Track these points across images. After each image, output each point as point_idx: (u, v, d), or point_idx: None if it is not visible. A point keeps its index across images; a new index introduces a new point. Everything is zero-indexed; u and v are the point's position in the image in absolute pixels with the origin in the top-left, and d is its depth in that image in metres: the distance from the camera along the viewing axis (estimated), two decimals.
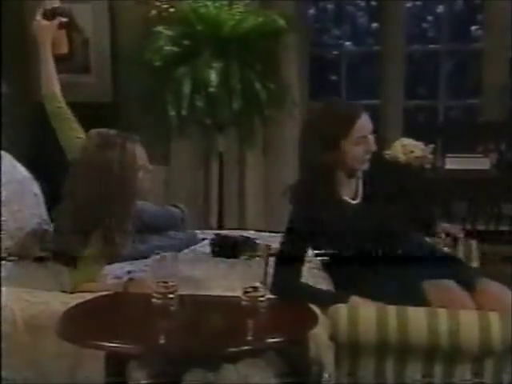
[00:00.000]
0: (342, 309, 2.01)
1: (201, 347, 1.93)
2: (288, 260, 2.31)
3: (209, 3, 4.00)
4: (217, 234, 3.07)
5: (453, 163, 4.08)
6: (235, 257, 2.79)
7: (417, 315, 1.96)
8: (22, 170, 3.11)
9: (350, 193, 2.41)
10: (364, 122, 2.33)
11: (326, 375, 2.12)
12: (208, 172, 4.36)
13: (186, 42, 3.99)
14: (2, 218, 2.67)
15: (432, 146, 4.22)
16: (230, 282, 2.47)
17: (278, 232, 3.69)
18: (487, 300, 2.16)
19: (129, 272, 2.65)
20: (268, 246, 2.91)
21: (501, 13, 4.68)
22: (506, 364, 1.93)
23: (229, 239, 2.95)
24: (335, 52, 5.15)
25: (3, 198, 2.72)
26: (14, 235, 2.63)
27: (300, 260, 2.34)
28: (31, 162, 4.43)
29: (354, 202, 2.40)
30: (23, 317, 2.22)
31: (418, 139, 4.34)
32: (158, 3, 4.34)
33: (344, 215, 2.33)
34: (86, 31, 4.54)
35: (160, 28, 4.03)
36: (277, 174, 4.38)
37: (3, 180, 2.79)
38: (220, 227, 4.22)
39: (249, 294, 2.10)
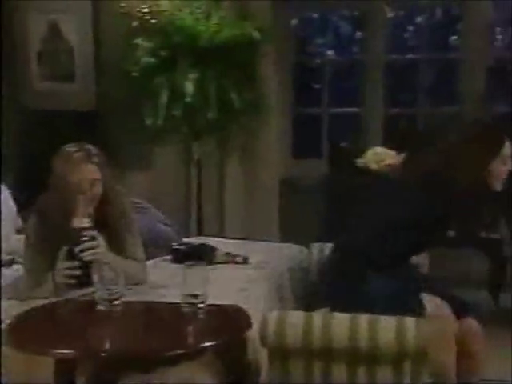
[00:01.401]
0: (271, 314, 2.13)
1: (140, 350, 2.07)
2: None
3: (186, 16, 4.13)
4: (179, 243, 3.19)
5: None
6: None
7: (340, 320, 2.08)
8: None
9: None
10: (509, 143, 2.60)
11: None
12: (188, 178, 4.49)
13: (163, 53, 4.11)
14: None
15: (404, 154, 4.31)
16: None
17: (256, 239, 3.84)
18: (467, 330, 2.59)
19: None
20: (228, 254, 3.06)
21: (477, 23, 4.79)
22: (422, 368, 2.05)
23: (188, 246, 3.07)
24: (318, 61, 5.27)
25: None
26: None
27: None
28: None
29: None
30: None
31: (398, 146, 4.44)
32: (140, 14, 4.47)
33: None
34: (71, 41, 4.69)
35: (139, 40, 4.16)
36: (254, 180, 4.52)
37: None
38: (199, 233, 4.34)
39: (189, 301, 2.22)
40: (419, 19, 5.20)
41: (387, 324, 2.07)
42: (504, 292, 4.34)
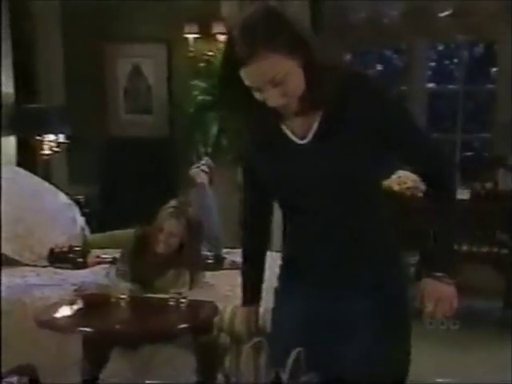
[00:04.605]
0: (226, 309, 2.89)
1: (135, 330, 2.91)
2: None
3: None
4: None
5: None
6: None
7: None
8: (62, 198, 4.21)
9: (298, 130, 1.85)
10: (248, 74, 1.71)
11: None
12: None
13: (216, 92, 4.93)
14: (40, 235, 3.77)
15: None
16: None
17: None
18: None
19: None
20: (234, 262, 3.79)
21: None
22: None
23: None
24: None
25: (41, 219, 3.83)
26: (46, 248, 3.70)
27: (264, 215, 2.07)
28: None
29: (301, 142, 1.84)
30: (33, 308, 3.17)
31: None
32: (206, 57, 5.33)
33: (285, 154, 1.87)
34: (149, 79, 5.63)
35: (196, 81, 5.00)
36: None
37: (42, 205, 3.90)
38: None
39: (174, 297, 3.02)
40: (462, 53, 5.71)
41: None
42: None
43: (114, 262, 3.36)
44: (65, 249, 3.21)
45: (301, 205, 1.90)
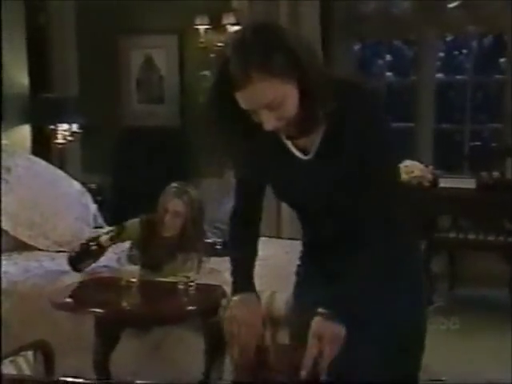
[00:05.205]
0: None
1: (145, 312, 3.01)
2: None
3: None
4: None
5: (445, 182, 4.82)
6: None
7: None
8: (75, 186, 4.32)
9: (301, 145, 1.85)
10: (244, 97, 1.67)
11: None
12: None
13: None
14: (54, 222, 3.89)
15: (431, 167, 4.97)
16: None
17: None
18: None
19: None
20: None
21: None
22: None
23: None
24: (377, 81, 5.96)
25: (56, 206, 3.95)
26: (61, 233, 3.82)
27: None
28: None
29: (305, 158, 1.85)
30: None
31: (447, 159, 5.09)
32: (216, 48, 5.40)
33: (289, 169, 1.89)
34: (161, 70, 5.72)
35: (206, 72, 5.08)
36: None
37: (56, 192, 4.02)
38: None
39: (183, 280, 3.11)
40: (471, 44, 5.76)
41: None
42: None
43: None
44: (77, 249, 3.31)
45: (306, 210, 1.94)
